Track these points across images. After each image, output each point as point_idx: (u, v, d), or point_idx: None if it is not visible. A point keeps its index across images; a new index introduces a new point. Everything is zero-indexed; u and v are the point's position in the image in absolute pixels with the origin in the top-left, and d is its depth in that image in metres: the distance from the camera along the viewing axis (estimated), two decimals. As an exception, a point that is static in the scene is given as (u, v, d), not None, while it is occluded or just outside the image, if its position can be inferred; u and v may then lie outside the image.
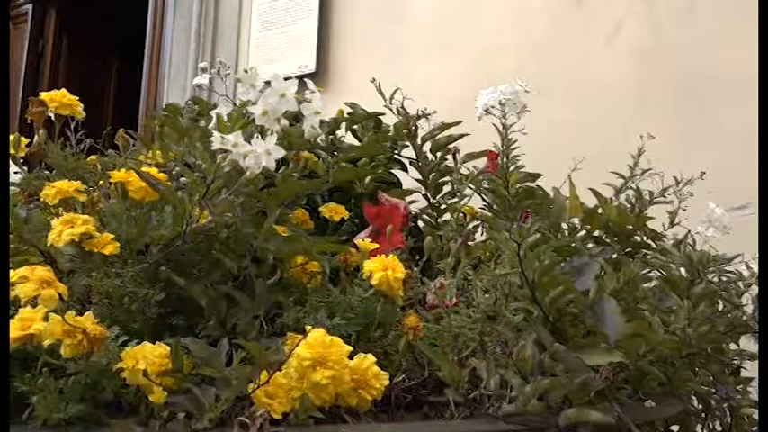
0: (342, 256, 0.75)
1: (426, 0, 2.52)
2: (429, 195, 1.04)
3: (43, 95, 0.77)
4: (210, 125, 0.72)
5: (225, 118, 0.71)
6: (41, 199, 0.69)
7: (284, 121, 0.70)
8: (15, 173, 1.19)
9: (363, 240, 0.77)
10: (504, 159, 0.87)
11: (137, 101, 3.98)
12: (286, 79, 2.57)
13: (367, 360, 0.59)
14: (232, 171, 0.59)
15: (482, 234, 0.97)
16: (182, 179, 0.71)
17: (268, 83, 0.59)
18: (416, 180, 1.07)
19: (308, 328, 0.56)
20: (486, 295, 0.65)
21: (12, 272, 0.61)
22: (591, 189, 1.08)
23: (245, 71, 0.57)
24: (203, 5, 2.96)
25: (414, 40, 2.50)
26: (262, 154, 0.53)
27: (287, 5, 2.74)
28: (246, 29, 2.87)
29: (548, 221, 0.96)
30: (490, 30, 2.36)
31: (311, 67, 2.65)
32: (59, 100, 0.76)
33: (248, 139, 0.55)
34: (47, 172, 0.89)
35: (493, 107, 0.95)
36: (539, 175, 1.03)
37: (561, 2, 2.24)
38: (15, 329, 0.48)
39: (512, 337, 0.59)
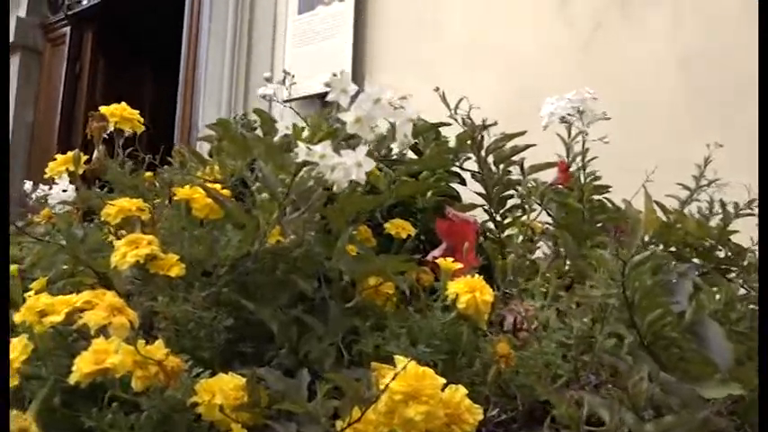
0: (414, 275, 0.69)
1: (460, 13, 2.48)
2: (492, 210, 0.98)
3: (104, 110, 0.73)
4: (276, 138, 0.68)
5: (290, 129, 0.67)
6: (102, 218, 0.65)
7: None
8: (64, 191, 1.17)
9: (436, 258, 0.71)
10: (580, 170, 0.81)
11: (171, 119, 4.01)
12: (322, 95, 2.53)
13: (459, 393, 0.53)
14: (315, 185, 0.54)
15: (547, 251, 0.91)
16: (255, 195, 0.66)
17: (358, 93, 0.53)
18: (477, 194, 1.02)
19: (399, 358, 0.51)
20: (584, 319, 0.59)
21: (74, 296, 0.56)
22: (656, 202, 1.01)
23: (335, 74, 0.52)
24: (238, 23, 2.96)
25: (448, 53, 2.46)
26: (352, 166, 0.48)
27: (322, 21, 2.72)
28: (281, 44, 2.86)
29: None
30: (526, 42, 2.30)
31: (347, 82, 2.63)
32: (120, 114, 0.72)
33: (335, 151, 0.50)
34: (98, 190, 0.86)
35: (566, 115, 0.89)
36: (608, 188, 0.97)
37: (603, 11, 2.17)
38: (89, 363, 0.43)
39: (624, 367, 0.53)
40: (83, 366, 0.43)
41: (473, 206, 0.96)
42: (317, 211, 0.60)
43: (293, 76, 1.11)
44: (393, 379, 0.47)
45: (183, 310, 0.57)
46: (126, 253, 0.58)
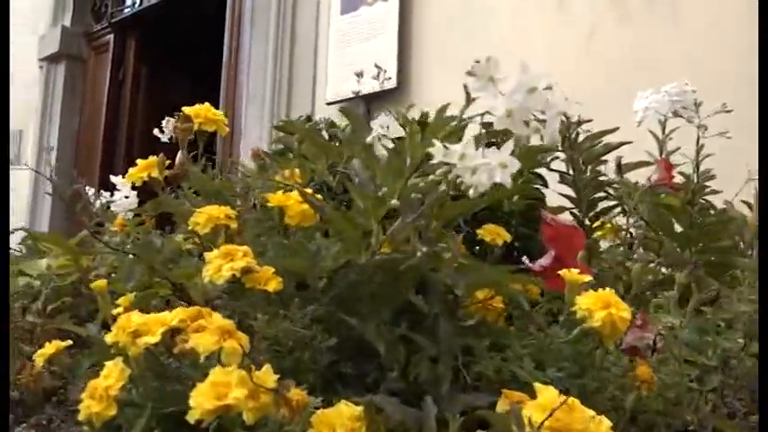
0: (523, 287, 0.62)
1: (507, 10, 2.39)
2: (581, 213, 0.91)
3: (187, 110, 0.68)
4: (369, 138, 0.62)
5: (381, 131, 0.61)
6: (190, 227, 0.59)
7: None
8: (126, 197, 1.13)
9: (544, 268, 0.64)
10: (694, 169, 0.73)
11: (212, 123, 4.00)
12: (366, 96, 2.48)
13: (603, 426, 0.46)
14: (426, 189, 0.48)
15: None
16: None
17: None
18: (563, 195, 0.94)
19: (538, 386, 0.44)
20: (737, 339, 0.51)
21: (167, 314, 0.51)
22: (744, 201, 0.92)
23: (477, 61, 0.45)
24: (279, 26, 2.92)
25: (496, 52, 2.38)
26: (496, 167, 0.42)
27: (366, 21, 2.66)
28: (324, 47, 2.81)
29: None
30: (573, 40, 2.21)
31: (392, 82, 2.56)
32: (205, 115, 0.67)
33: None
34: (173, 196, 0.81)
35: (665, 110, 0.81)
36: (717, 191, 0.88)
37: (650, 13, 2.07)
38: (209, 398, 0.38)
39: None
40: (203, 402, 0.38)
41: (562, 209, 0.89)
42: (427, 218, 0.53)
43: (384, 72, 1.04)
44: (551, 415, 0.40)
45: (285, 328, 0.51)
46: (221, 266, 0.52)
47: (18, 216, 3.76)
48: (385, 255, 0.53)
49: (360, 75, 0.99)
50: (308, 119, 1.08)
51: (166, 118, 1.19)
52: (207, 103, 0.69)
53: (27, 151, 3.95)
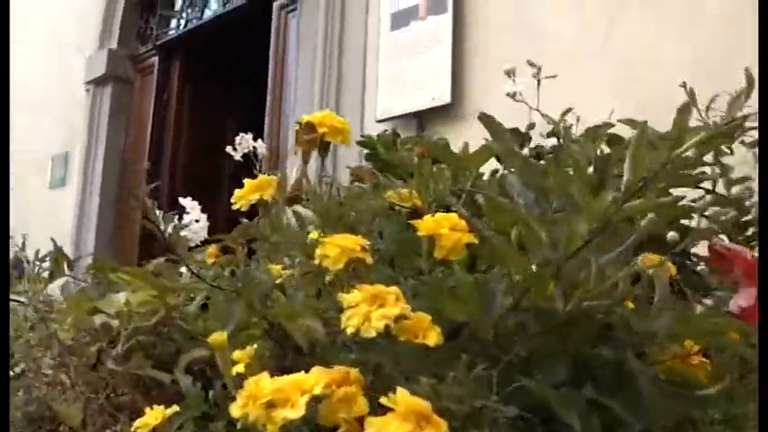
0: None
1: (568, 21, 2.27)
2: (731, 237, 0.77)
3: (308, 117, 0.57)
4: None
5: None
6: (318, 261, 0.48)
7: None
8: (196, 221, 1.02)
9: (743, 309, 0.51)
10: None
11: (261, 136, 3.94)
12: (419, 113, 2.34)
13: None
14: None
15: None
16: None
17: None
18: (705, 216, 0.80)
19: None
20: None
21: (305, 376, 0.39)
22: None
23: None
24: (327, 45, 2.85)
25: (555, 64, 2.25)
26: None
27: (417, 35, 2.57)
28: (373, 64, 2.72)
29: None
30: (642, 45, 2.07)
31: (446, 98, 2.45)
32: (329, 123, 0.56)
33: None
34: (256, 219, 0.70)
35: None
36: None
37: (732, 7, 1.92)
38: None
39: None
40: None
41: (713, 232, 0.76)
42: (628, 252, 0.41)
43: (539, 70, 0.93)
44: None
45: (456, 395, 0.39)
46: (369, 314, 0.41)
47: (62, 239, 3.73)
48: (581, 299, 0.40)
49: (511, 73, 0.86)
50: (396, 134, 0.96)
51: (240, 134, 1.10)
52: (328, 111, 0.58)
53: (73, 174, 3.95)
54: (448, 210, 0.65)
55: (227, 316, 0.57)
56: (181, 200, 1.05)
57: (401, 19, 2.63)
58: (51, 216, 4.00)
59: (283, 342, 0.63)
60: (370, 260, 0.47)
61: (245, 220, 0.72)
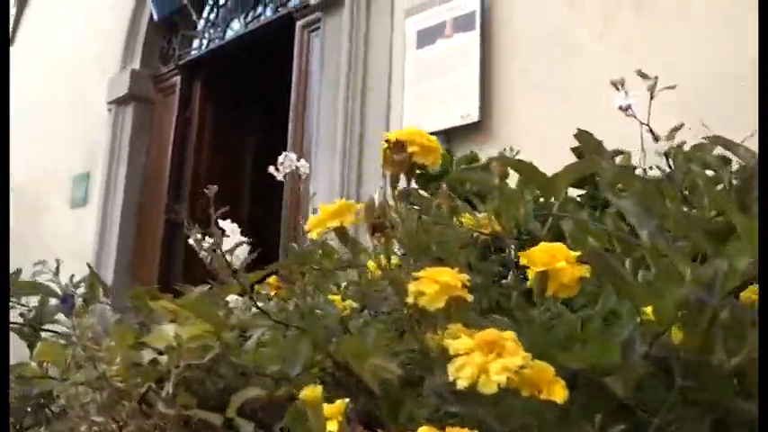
0: None
1: (599, 37, 2.22)
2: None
3: (395, 134, 0.51)
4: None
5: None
6: (411, 299, 0.42)
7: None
8: (234, 244, 0.97)
9: None
10: None
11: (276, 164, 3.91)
12: (446, 131, 2.26)
13: None
14: None
15: None
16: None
17: None
18: None
19: None
20: None
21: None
22: None
23: None
24: (351, 62, 2.81)
25: (588, 77, 2.20)
26: None
27: (444, 53, 2.52)
28: (398, 82, 2.68)
29: None
30: (683, 58, 2.01)
31: (474, 116, 2.40)
32: (419, 142, 0.50)
33: None
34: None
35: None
36: None
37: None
38: None
39: None
40: None
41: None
42: None
43: (655, 81, 0.87)
44: None
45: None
46: (486, 365, 0.34)
47: (83, 259, 3.71)
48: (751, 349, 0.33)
49: (620, 85, 0.80)
50: (448, 152, 0.90)
51: (284, 153, 1.04)
52: (415, 128, 0.52)
53: (94, 193, 3.93)
54: (531, 237, 0.59)
55: (292, 354, 0.51)
56: (221, 222, 0.99)
57: (427, 37, 2.59)
58: (73, 236, 3.98)
59: (350, 384, 0.57)
60: (470, 298, 0.41)
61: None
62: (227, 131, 3.86)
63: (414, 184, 0.92)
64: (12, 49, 5.17)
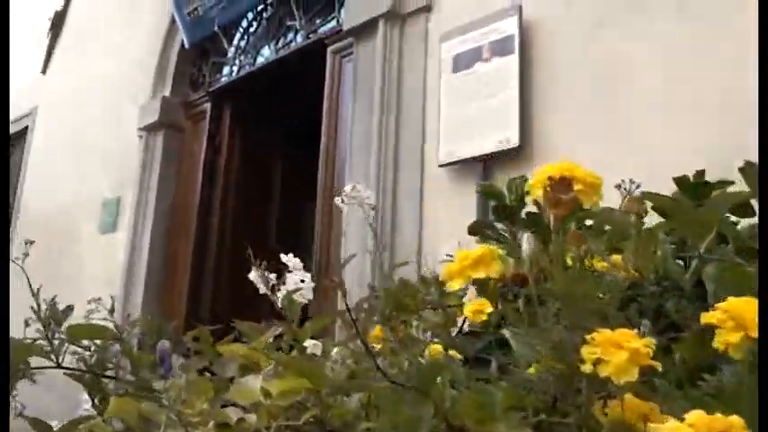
0: None
1: (654, 56, 2.14)
2: None
3: (557, 169, 0.43)
4: None
5: None
6: (589, 367, 0.34)
7: None
8: (302, 281, 0.90)
9: None
10: None
11: (304, 190, 3.87)
12: (487, 157, 2.16)
13: None
14: None
15: None
16: None
17: None
18: None
19: None
20: None
21: None
22: None
23: None
24: (385, 85, 2.77)
25: (637, 104, 2.12)
26: None
27: (481, 77, 2.47)
28: (433, 107, 2.62)
29: None
30: (740, 85, 1.93)
31: (514, 142, 2.33)
32: (583, 179, 0.43)
33: None
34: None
35: None
36: None
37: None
38: None
39: None
40: None
41: None
42: None
43: None
44: None
45: None
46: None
47: (113, 285, 3.68)
48: None
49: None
50: (522, 179, 0.84)
51: (352, 184, 0.98)
52: (580, 166, 0.45)
53: (125, 219, 3.92)
54: (671, 282, 0.51)
55: (413, 424, 0.44)
56: (283, 256, 0.93)
57: (464, 61, 2.54)
58: (102, 262, 3.96)
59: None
60: (659, 366, 0.34)
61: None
62: (256, 157, 3.84)
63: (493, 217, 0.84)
64: (43, 78, 5.24)
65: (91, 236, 4.14)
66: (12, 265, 0.96)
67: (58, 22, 5.18)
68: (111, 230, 4.02)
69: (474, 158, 2.44)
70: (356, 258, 2.71)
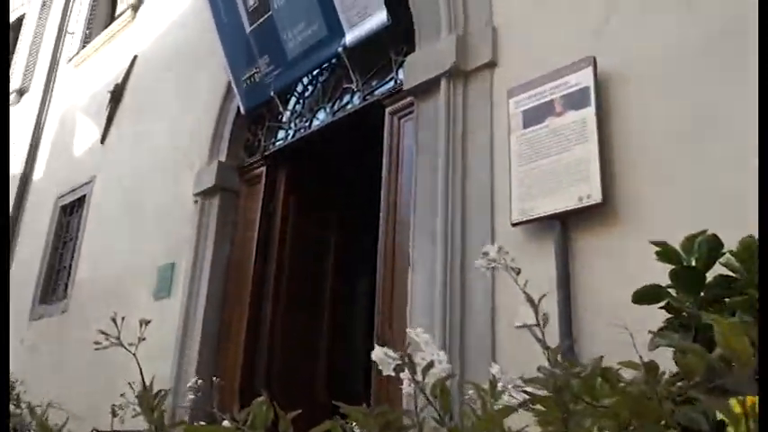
0: None
1: (734, 108, 1.96)
2: None
3: None
4: None
5: None
6: None
7: None
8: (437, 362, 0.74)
9: None
10: None
11: (361, 254, 3.73)
12: (562, 215, 1.94)
13: None
14: None
15: None
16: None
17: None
18: None
19: None
20: None
21: None
22: None
23: None
24: (450, 144, 2.64)
25: (725, 157, 1.92)
26: None
27: (555, 132, 2.32)
28: (502, 164, 2.47)
29: None
30: None
31: (596, 198, 2.14)
32: None
33: None
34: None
35: None
36: None
37: None
38: None
39: None
40: None
41: None
42: None
43: None
44: None
45: None
46: None
47: (167, 351, 3.55)
48: None
49: None
50: (716, 238, 0.66)
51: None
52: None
53: (179, 284, 3.83)
54: None
55: None
56: (410, 332, 0.77)
57: (534, 116, 2.41)
58: (158, 329, 3.85)
59: None
60: None
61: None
62: (311, 223, 3.74)
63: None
64: (101, 147, 5.35)
65: (148, 300, 4.05)
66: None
67: (117, 95, 5.33)
68: (166, 296, 3.93)
69: (551, 216, 2.27)
70: (423, 324, 2.48)
